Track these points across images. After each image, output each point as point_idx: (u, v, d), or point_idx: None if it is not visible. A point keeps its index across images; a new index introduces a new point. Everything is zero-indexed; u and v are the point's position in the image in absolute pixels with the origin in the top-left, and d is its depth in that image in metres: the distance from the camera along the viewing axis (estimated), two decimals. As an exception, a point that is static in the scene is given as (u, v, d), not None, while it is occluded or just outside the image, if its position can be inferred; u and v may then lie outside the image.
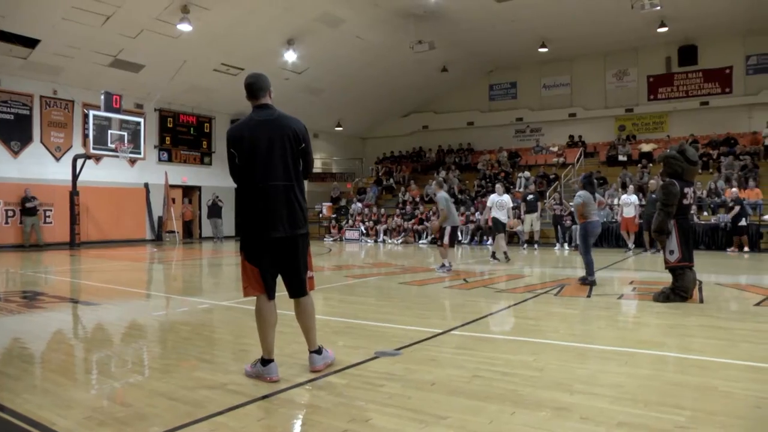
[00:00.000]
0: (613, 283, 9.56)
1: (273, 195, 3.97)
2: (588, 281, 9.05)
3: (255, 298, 4.16)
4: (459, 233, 12.18)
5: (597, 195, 9.89)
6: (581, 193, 9.38)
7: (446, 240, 11.40)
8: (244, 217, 4.06)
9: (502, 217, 13.65)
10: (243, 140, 4.01)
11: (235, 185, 4.15)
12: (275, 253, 4.05)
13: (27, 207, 18.75)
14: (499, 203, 13.68)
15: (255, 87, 4.08)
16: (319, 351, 4.26)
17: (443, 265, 11.29)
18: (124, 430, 3.10)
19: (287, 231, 4.00)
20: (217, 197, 24.03)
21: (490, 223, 14.46)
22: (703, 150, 21.90)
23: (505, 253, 13.40)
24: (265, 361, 4.04)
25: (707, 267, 11.74)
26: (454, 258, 14.20)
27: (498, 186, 14.56)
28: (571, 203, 10.25)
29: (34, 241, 18.92)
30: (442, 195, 11.58)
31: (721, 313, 6.60)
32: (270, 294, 4.11)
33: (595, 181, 10.26)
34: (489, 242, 19.52)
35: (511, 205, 14.28)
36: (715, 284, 9.18)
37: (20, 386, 3.91)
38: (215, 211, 24.03)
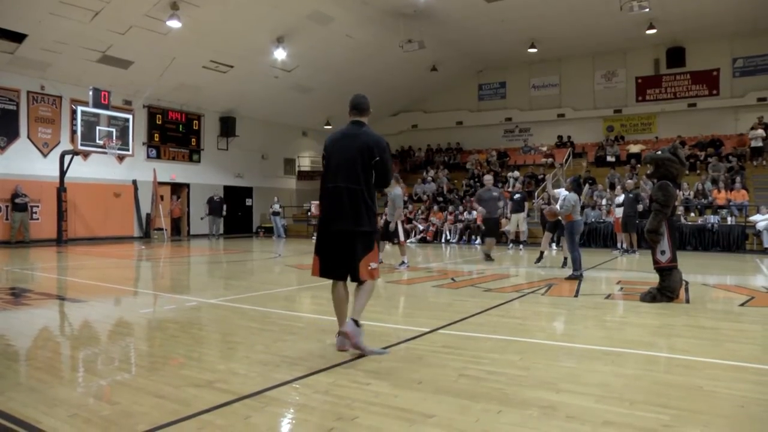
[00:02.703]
0: (600, 283, 9.61)
1: (336, 195, 4.60)
2: (575, 276, 9.52)
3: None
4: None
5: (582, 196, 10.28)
6: (570, 195, 9.72)
7: (402, 237, 11.84)
8: (319, 213, 4.79)
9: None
10: (327, 148, 4.80)
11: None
12: (335, 243, 4.62)
13: (17, 203, 18.62)
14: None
15: (358, 105, 4.90)
16: (357, 322, 4.62)
17: (403, 262, 11.51)
18: (110, 428, 3.08)
19: (346, 226, 4.57)
20: (216, 195, 24.02)
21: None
22: (690, 151, 22.07)
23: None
24: (339, 333, 4.65)
25: (694, 268, 11.84)
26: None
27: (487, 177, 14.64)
28: (557, 205, 10.44)
29: (21, 238, 18.77)
30: (398, 192, 11.71)
31: (706, 314, 6.65)
32: (332, 276, 4.71)
33: (582, 182, 10.62)
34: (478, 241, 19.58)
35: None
36: (702, 285, 9.26)
37: (5, 384, 3.87)
38: (216, 208, 24.01)
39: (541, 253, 12.55)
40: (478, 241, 20.59)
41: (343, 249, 4.61)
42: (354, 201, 4.57)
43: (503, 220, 18.01)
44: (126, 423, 3.14)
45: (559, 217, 10.71)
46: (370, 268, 4.64)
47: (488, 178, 14.34)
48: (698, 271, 11.47)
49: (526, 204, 18.79)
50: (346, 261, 4.63)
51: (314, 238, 4.89)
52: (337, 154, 4.70)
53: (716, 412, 3.34)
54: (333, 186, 4.62)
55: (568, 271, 10.17)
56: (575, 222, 9.83)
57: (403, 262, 11.50)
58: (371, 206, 4.67)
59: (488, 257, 13.34)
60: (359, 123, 4.85)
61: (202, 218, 24.34)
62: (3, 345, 5.16)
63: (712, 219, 17.73)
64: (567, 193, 10.15)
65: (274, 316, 6.45)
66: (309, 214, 27.36)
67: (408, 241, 21.70)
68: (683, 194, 19.11)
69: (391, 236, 11.81)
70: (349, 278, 4.71)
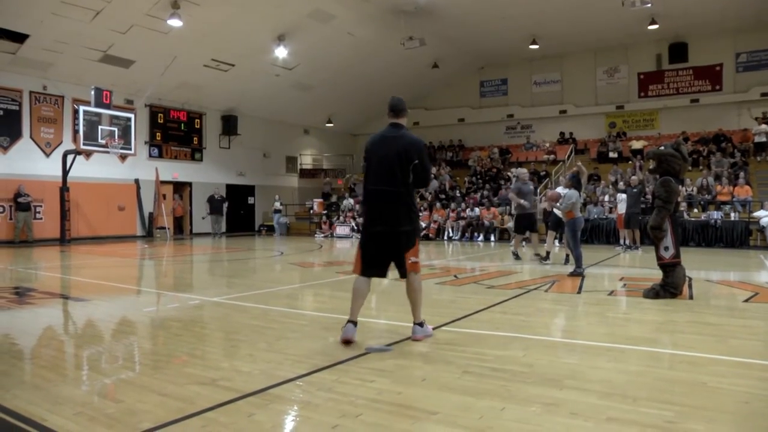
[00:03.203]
0: (603, 280, 9.60)
1: (377, 197, 4.86)
2: (578, 273, 9.56)
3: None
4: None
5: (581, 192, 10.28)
6: (570, 192, 9.77)
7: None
8: (362, 212, 5.12)
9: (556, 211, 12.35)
10: (368, 151, 4.99)
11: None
12: (378, 243, 4.89)
13: (20, 202, 18.65)
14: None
15: (395, 107, 5.07)
16: (421, 324, 5.00)
17: None
18: (114, 425, 3.09)
19: (387, 227, 4.81)
20: (217, 194, 24.06)
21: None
22: (693, 147, 22.02)
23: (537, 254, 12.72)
24: (348, 322, 4.86)
25: (697, 264, 11.82)
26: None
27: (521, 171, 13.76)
28: (556, 204, 10.46)
29: (24, 237, 18.81)
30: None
31: (710, 310, 6.64)
32: (366, 273, 4.95)
33: (581, 179, 10.64)
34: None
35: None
36: (705, 281, 9.26)
37: (10, 382, 3.89)
38: (217, 207, 24.04)
39: (548, 252, 12.39)
40: (481, 237, 20.58)
41: (385, 249, 4.89)
42: (394, 203, 4.80)
43: (506, 217, 17.97)
44: (130, 421, 3.15)
45: (560, 215, 10.70)
46: (411, 261, 4.91)
47: (523, 171, 13.59)
48: (701, 267, 11.46)
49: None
50: (389, 260, 4.95)
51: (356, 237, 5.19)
52: (376, 157, 4.90)
53: (720, 408, 3.34)
54: (374, 189, 4.87)
55: (570, 268, 10.17)
56: (576, 219, 9.85)
57: None
58: (411, 206, 4.89)
59: (540, 257, 12.34)
60: (397, 125, 5.02)
61: (203, 218, 24.37)
62: (8, 344, 5.18)
63: (716, 215, 17.69)
64: (566, 190, 10.17)
65: (276, 314, 6.46)
66: (311, 212, 27.38)
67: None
68: (686, 190, 19.08)
69: None
70: (394, 276, 5.11)
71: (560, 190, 11.26)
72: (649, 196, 15.86)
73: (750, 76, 23.54)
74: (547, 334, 5.40)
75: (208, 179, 25.18)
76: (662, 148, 7.60)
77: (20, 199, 18.61)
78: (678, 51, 24.63)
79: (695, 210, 18.79)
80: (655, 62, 25.56)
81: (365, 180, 4.99)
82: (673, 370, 4.17)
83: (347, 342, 4.80)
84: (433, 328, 5.37)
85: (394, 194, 4.79)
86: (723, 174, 19.66)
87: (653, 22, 21.69)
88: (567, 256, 11.64)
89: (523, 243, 14.78)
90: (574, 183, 10.14)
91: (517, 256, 12.93)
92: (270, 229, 26.45)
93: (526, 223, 12.99)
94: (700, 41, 24.18)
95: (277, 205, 25.93)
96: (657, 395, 3.53)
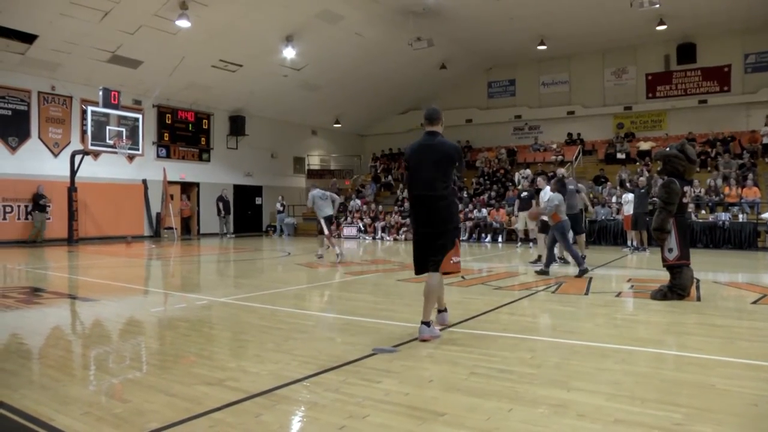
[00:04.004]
0: (610, 281, 9.57)
1: (421, 202, 5.24)
2: (583, 270, 9.67)
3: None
4: (330, 222, 13.52)
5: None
6: (554, 196, 9.97)
7: (326, 230, 13.29)
8: (410, 217, 5.46)
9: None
10: (411, 159, 5.34)
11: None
12: (423, 242, 5.28)
13: (39, 204, 18.94)
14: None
15: (432, 116, 5.35)
16: (428, 324, 5.13)
17: (335, 254, 13.17)
18: (122, 425, 3.10)
19: (431, 229, 5.21)
20: (224, 193, 24.16)
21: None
22: (701, 148, 21.92)
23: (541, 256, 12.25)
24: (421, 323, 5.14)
25: (705, 265, 11.77)
26: (340, 244, 15.46)
27: (540, 179, 13.45)
28: (542, 208, 10.63)
29: (35, 238, 18.92)
30: (311, 194, 13.36)
31: (718, 311, 6.60)
32: (420, 272, 5.34)
33: (566, 182, 11.16)
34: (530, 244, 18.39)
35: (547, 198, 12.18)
36: (713, 282, 9.21)
37: (18, 382, 3.91)
38: (225, 207, 24.12)
39: (539, 256, 12.19)
40: (488, 238, 20.54)
41: (430, 247, 5.24)
42: (436, 206, 5.19)
43: (513, 218, 17.85)
44: (138, 421, 3.17)
45: (547, 219, 10.72)
46: (452, 261, 5.26)
47: (562, 171, 13.29)
48: (709, 268, 11.40)
49: (534, 202, 18.61)
50: (429, 256, 5.26)
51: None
52: (418, 164, 5.28)
53: (729, 410, 3.32)
54: (417, 194, 5.26)
55: (539, 266, 10.27)
56: (563, 222, 9.99)
57: (334, 254, 13.32)
58: (451, 207, 5.27)
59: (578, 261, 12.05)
60: (434, 133, 5.35)
61: (222, 216, 24.28)
62: (16, 343, 5.21)
63: (724, 216, 17.59)
64: (551, 194, 10.26)
65: (284, 315, 6.47)
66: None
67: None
68: (693, 191, 18.99)
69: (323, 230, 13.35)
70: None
71: (544, 194, 11.68)
72: (656, 198, 15.76)
73: (759, 77, 23.39)
74: (554, 336, 5.38)
75: (216, 180, 25.24)
76: (668, 149, 7.56)
77: (41, 201, 18.89)
78: (686, 52, 24.52)
79: (703, 211, 18.69)
80: (663, 63, 25.46)
81: (409, 185, 5.41)
82: (681, 371, 4.15)
83: (424, 340, 5.03)
84: (441, 329, 5.37)
85: (436, 198, 5.18)
86: (731, 175, 19.56)
87: (661, 23, 21.61)
88: (539, 256, 11.82)
89: (530, 245, 14.66)
90: (559, 187, 10.30)
91: (564, 260, 11.96)
92: (278, 230, 26.37)
93: (571, 224, 11.95)
94: (709, 42, 24.05)
95: (279, 206, 25.90)
96: (665, 397, 3.51)
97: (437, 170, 5.18)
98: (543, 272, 10.11)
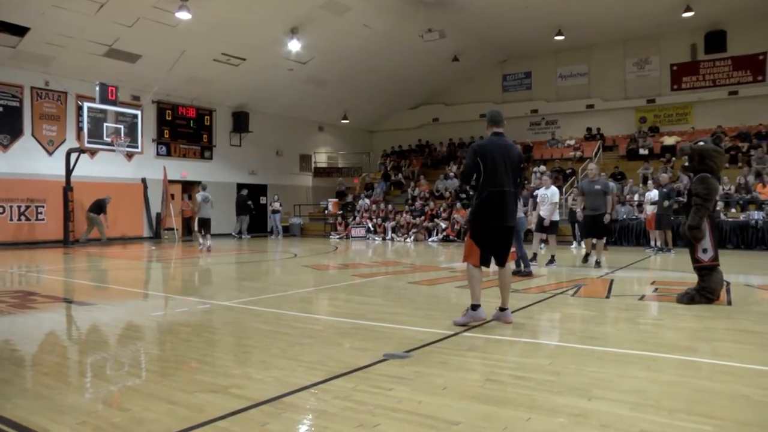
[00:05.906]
0: (633, 284, 9.52)
1: (504, 197, 5.80)
2: (527, 272, 10.19)
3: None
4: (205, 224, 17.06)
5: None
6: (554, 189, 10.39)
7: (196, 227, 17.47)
8: (480, 210, 5.86)
9: (542, 213, 12.24)
10: (487, 156, 5.81)
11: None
12: (496, 236, 5.88)
13: (98, 205, 19.91)
14: (542, 197, 12.48)
15: (497, 119, 6.06)
16: (503, 309, 6.01)
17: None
18: (120, 435, 3.11)
19: (509, 222, 5.90)
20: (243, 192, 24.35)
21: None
22: (731, 143, 21.73)
23: (534, 253, 12.42)
24: (475, 307, 5.83)
25: (735, 267, 11.67)
26: (205, 240, 17.02)
27: (545, 178, 13.35)
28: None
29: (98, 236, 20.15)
30: (199, 195, 17.05)
31: (751, 316, 6.53)
32: (484, 263, 5.93)
33: (594, 181, 11.46)
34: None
35: (555, 200, 12.40)
36: (745, 285, 9.13)
37: (11, 390, 3.92)
38: (245, 208, 24.23)
39: (534, 254, 12.18)
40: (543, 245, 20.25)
41: (503, 241, 5.95)
42: (514, 201, 5.97)
43: (529, 218, 17.70)
44: (137, 430, 3.17)
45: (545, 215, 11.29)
46: (513, 251, 6.15)
47: (593, 167, 12.52)
48: (740, 271, 11.30)
49: (531, 201, 18.42)
50: (503, 250, 5.99)
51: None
52: (497, 162, 5.81)
53: (765, 423, 3.28)
54: (501, 190, 5.79)
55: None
56: (520, 219, 9.84)
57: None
58: (518, 204, 6.21)
59: (593, 261, 11.78)
60: (502, 134, 6.06)
61: (247, 214, 24.53)
62: (9, 350, 5.23)
63: (756, 215, 17.41)
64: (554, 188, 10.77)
65: (290, 319, 6.47)
66: (326, 212, 27.41)
67: (430, 239, 21.68)
68: (723, 188, 18.84)
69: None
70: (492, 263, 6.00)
71: (542, 191, 12.27)
72: (677, 198, 15.60)
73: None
74: (574, 341, 5.35)
75: (219, 178, 25.28)
76: (701, 143, 7.42)
77: (100, 203, 20.13)
78: (715, 40, 24.35)
79: (733, 210, 18.54)
80: (689, 52, 25.28)
81: (486, 182, 5.80)
82: (711, 380, 4.10)
83: (508, 322, 5.89)
84: (454, 334, 5.35)
85: (513, 194, 5.92)
86: (764, 171, 19.35)
87: (688, 9, 21.43)
88: (552, 256, 12.11)
89: (542, 245, 14.58)
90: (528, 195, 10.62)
91: (598, 264, 11.70)
92: (283, 230, 26.30)
93: (591, 226, 11.84)
94: (740, 28, 23.85)
95: (276, 205, 25.83)
96: (694, 407, 3.48)
97: (514, 169, 5.90)
98: (523, 273, 10.16)
